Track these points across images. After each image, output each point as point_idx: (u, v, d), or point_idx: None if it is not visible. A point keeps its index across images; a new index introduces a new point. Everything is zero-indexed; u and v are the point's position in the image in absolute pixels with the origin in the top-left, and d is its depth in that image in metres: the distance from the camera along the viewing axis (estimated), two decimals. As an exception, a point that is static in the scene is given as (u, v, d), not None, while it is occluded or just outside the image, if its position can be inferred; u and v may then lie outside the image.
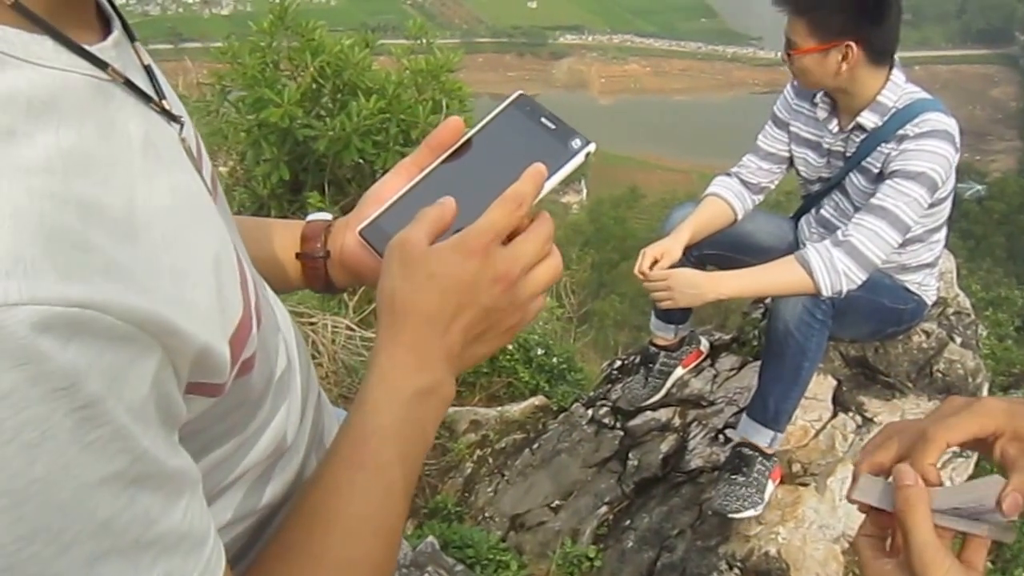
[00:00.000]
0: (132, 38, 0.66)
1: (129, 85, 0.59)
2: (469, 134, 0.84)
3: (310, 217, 0.99)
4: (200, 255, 0.59)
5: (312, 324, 4.06)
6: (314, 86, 4.50)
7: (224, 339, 0.59)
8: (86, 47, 0.55)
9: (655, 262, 2.69)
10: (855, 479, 0.86)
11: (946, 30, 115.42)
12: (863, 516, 0.85)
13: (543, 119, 0.82)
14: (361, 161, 4.43)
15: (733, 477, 2.73)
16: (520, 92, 0.85)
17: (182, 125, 0.68)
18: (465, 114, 4.75)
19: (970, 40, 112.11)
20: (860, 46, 2.46)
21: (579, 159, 0.80)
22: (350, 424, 0.73)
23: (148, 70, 0.67)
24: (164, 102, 0.65)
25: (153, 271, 0.52)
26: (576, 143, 0.80)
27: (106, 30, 0.62)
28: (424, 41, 4.95)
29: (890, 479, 0.83)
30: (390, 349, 0.73)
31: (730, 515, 2.70)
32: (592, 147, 0.81)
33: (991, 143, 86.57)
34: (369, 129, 4.32)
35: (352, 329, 4.18)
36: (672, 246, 2.73)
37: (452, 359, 0.74)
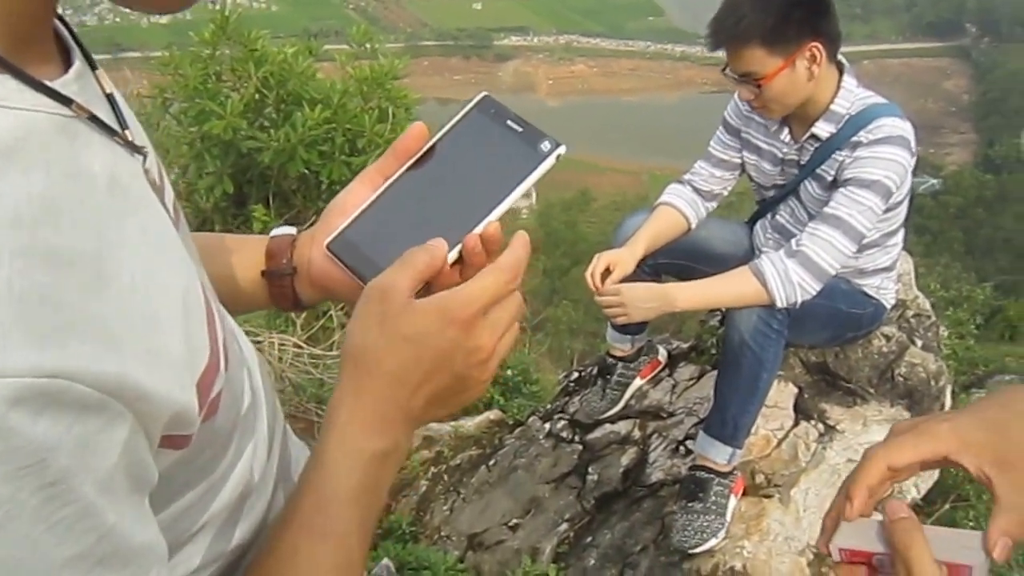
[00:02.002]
0: (93, 67, 0.64)
1: (93, 119, 0.57)
2: (434, 140, 0.81)
3: (274, 232, 0.94)
4: (169, 297, 0.56)
5: (259, 342, 3.97)
6: (257, 97, 4.45)
7: (192, 386, 0.57)
8: (49, 84, 0.53)
9: (607, 271, 2.63)
10: (825, 530, 0.86)
11: (896, 23, 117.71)
12: (817, 527, 0.84)
13: (509, 121, 0.79)
14: (307, 172, 4.36)
15: (690, 505, 2.68)
16: (485, 93, 0.82)
17: (145, 156, 0.65)
18: (412, 121, 4.67)
19: (920, 33, 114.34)
20: (820, 42, 2.41)
21: (550, 162, 0.77)
22: (308, 485, 0.70)
23: (110, 98, 0.65)
24: (127, 132, 0.63)
25: (123, 320, 0.50)
26: (545, 146, 0.77)
27: (67, 61, 0.60)
28: (368, 47, 4.88)
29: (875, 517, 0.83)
30: (352, 406, 0.71)
31: (690, 551, 2.64)
32: (562, 149, 0.78)
33: (945, 136, 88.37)
34: (314, 140, 4.28)
35: (300, 347, 4.09)
36: (626, 257, 2.68)
37: (412, 420, 0.72)
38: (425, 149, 0.81)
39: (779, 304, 2.42)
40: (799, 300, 2.42)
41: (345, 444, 0.70)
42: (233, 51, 4.51)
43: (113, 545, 0.48)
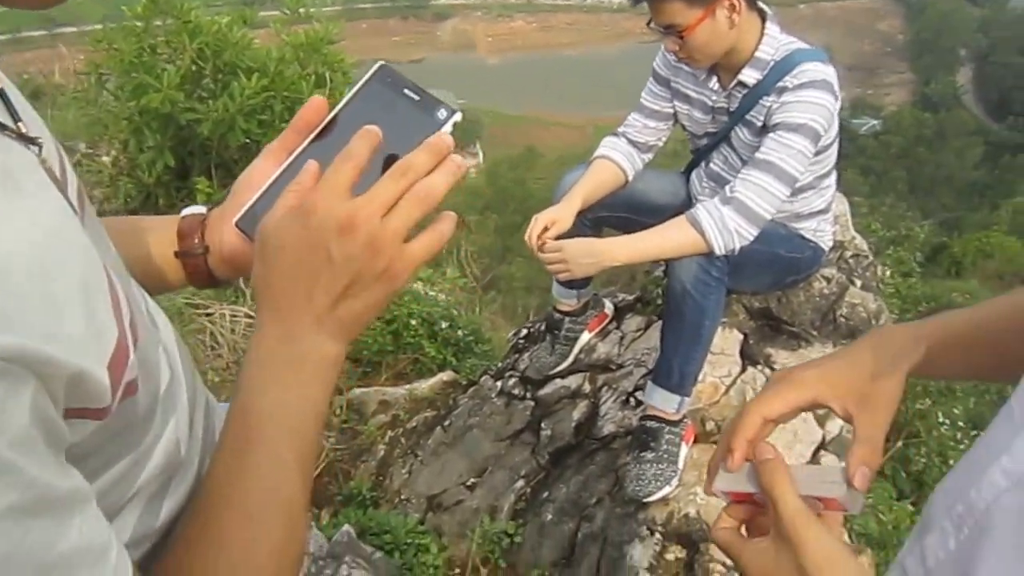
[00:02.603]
0: None
1: None
2: (334, 111, 0.82)
3: (184, 212, 0.95)
4: (68, 284, 0.57)
5: (209, 315, 3.97)
6: (194, 68, 4.42)
7: (101, 365, 0.58)
8: None
9: (545, 229, 2.66)
10: (709, 474, 0.91)
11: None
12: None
13: (406, 90, 0.81)
14: (248, 141, 4.34)
15: (643, 455, 2.73)
16: (382, 63, 0.83)
17: (40, 147, 0.65)
18: (349, 86, 4.64)
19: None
20: None
21: (447, 129, 0.79)
22: (231, 409, 0.73)
23: (1, 93, 0.66)
24: (20, 125, 0.64)
25: (20, 308, 0.51)
26: (442, 113, 0.80)
27: None
28: (303, 12, 4.83)
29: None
30: (259, 334, 0.73)
31: (644, 500, 2.69)
32: (458, 116, 0.80)
33: (883, 76, 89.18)
34: (253, 109, 4.27)
35: (251, 316, 4.09)
36: (563, 214, 2.70)
37: (324, 322, 0.72)
38: (326, 121, 0.82)
39: (717, 252, 2.46)
40: (737, 246, 2.46)
41: (256, 362, 0.72)
42: (167, 23, 4.46)
43: (38, 494, 0.50)
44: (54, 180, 0.65)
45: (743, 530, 0.89)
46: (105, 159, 5.04)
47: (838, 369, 0.93)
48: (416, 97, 0.80)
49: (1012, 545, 0.67)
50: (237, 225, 0.82)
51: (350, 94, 0.82)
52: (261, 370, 0.72)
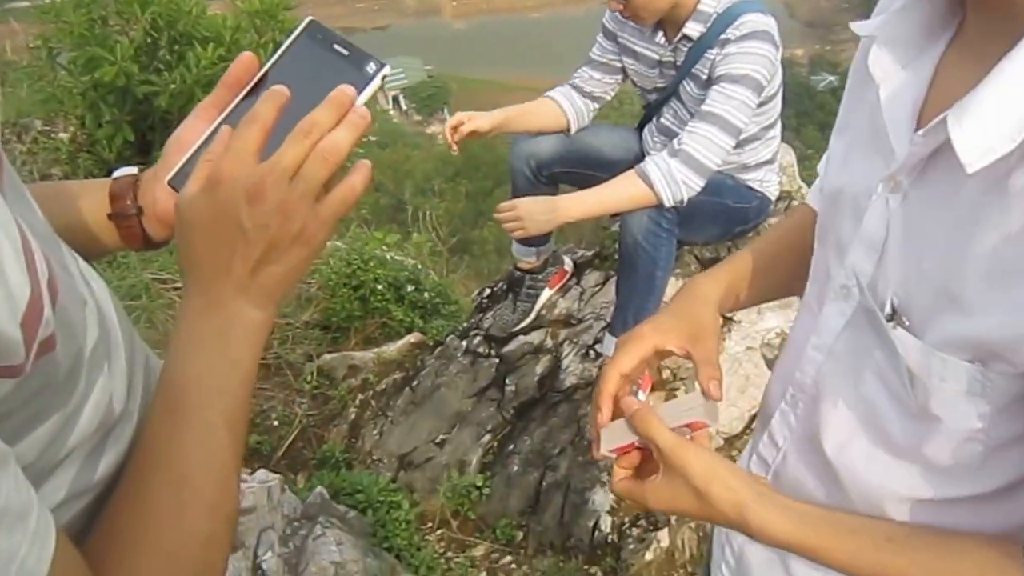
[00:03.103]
0: None
1: None
2: (264, 68, 0.83)
3: (116, 174, 0.95)
4: None
5: (177, 289, 3.97)
6: (148, 40, 4.34)
7: (14, 322, 0.58)
8: None
9: (459, 125, 2.75)
10: (594, 441, 1.01)
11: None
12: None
13: (336, 45, 0.82)
14: (207, 112, 4.30)
15: None
16: (311, 19, 0.84)
17: None
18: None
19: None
20: None
21: (376, 83, 0.81)
22: (161, 377, 0.74)
23: None
24: None
25: None
26: (371, 67, 0.81)
27: None
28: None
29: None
30: (185, 302, 0.75)
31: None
32: (387, 69, 0.82)
33: (839, 32, 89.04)
34: (211, 79, 4.20)
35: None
36: (480, 118, 2.79)
37: (246, 289, 0.74)
38: (256, 79, 0.83)
39: (666, 203, 2.52)
40: (685, 197, 2.53)
41: (183, 332, 0.74)
42: (117, -8, 4.38)
43: None
44: None
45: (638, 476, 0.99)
46: (63, 136, 4.94)
47: (665, 319, 1.08)
48: (345, 52, 0.82)
49: (842, 401, 0.89)
50: (170, 184, 0.82)
51: (280, 51, 0.83)
52: (189, 338, 0.74)
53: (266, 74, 0.83)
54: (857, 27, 0.88)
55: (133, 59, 4.16)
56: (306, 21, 0.83)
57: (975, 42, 0.77)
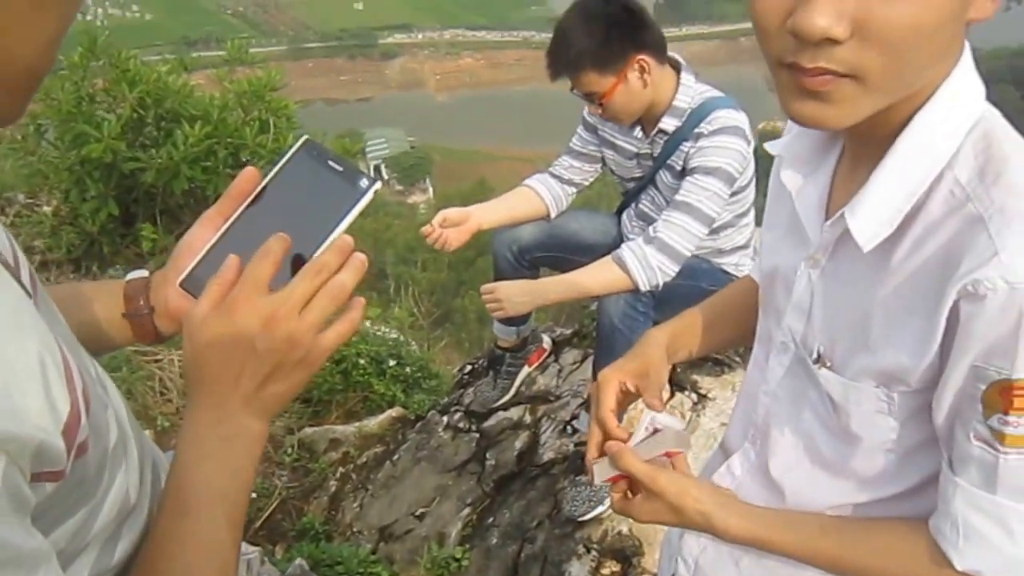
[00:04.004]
0: None
1: None
2: (265, 181, 0.91)
3: (129, 277, 1.03)
4: (25, 363, 0.62)
5: (158, 361, 3.99)
6: (135, 116, 4.37)
7: (57, 433, 0.64)
8: None
9: (449, 221, 2.84)
10: (590, 473, 1.22)
11: (743, 5, 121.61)
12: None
13: (330, 162, 0.89)
14: (192, 187, 4.34)
15: (578, 478, 2.87)
16: (306, 137, 0.92)
17: None
18: (293, 130, 4.73)
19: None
20: (646, 53, 2.60)
21: (368, 198, 0.88)
22: (168, 481, 0.82)
23: None
24: None
25: None
26: (363, 183, 0.88)
27: None
28: (247, 52, 4.90)
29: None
30: (192, 414, 0.83)
31: (579, 519, 2.83)
32: (378, 185, 0.89)
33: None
34: (197, 156, 4.25)
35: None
36: (471, 215, 2.88)
37: (251, 403, 0.82)
38: (258, 191, 0.91)
39: (642, 287, 2.59)
40: (660, 282, 2.60)
41: (190, 441, 0.82)
42: (105, 72, 4.45)
43: (6, 553, 0.55)
44: (7, 267, 0.70)
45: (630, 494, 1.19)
46: (46, 209, 4.94)
47: (622, 361, 1.31)
48: (340, 168, 0.89)
49: (787, 432, 1.11)
50: (181, 286, 0.91)
51: (278, 166, 0.91)
52: (196, 447, 0.81)
53: (267, 186, 0.91)
54: (769, 146, 1.14)
55: (120, 136, 4.20)
56: (302, 140, 0.91)
57: (857, 155, 1.00)
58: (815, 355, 1.03)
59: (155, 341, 1.03)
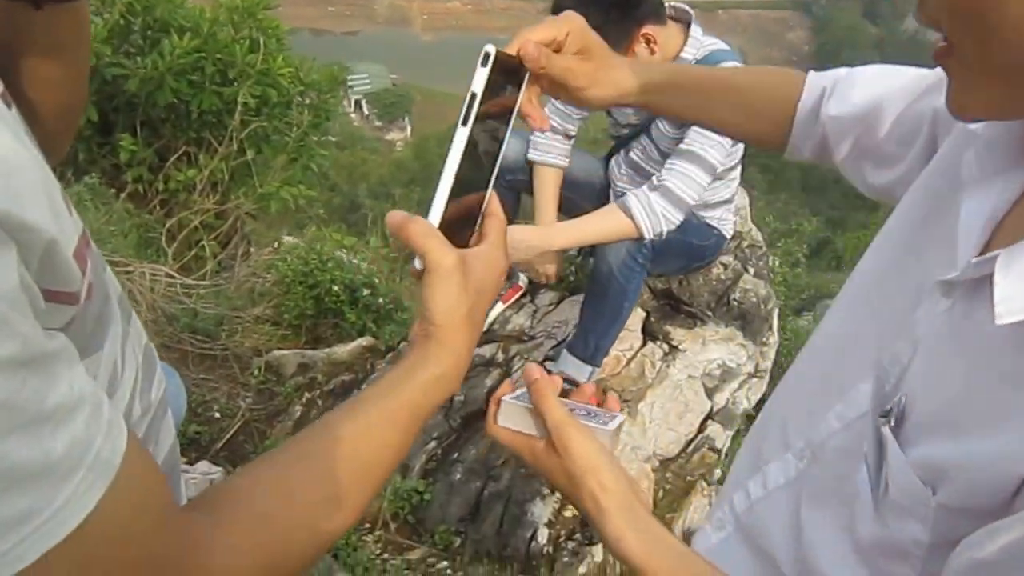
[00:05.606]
0: None
1: None
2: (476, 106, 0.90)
3: None
4: (32, 180, 0.59)
5: (128, 272, 3.94)
6: (122, 23, 4.29)
7: (69, 249, 0.63)
8: None
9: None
10: (497, 408, 0.97)
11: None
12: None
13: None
14: (176, 101, 4.28)
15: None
16: (489, 45, 0.92)
17: None
18: (283, 52, 4.66)
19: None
20: (648, 24, 2.59)
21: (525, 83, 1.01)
22: (395, 389, 0.82)
23: None
24: None
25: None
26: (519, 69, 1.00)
27: None
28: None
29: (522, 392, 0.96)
30: (427, 362, 0.84)
31: None
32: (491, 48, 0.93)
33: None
34: (184, 68, 4.18)
35: (172, 276, 4.09)
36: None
37: (456, 352, 0.86)
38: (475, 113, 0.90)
39: (647, 235, 2.61)
40: (664, 230, 2.61)
41: (421, 385, 0.82)
42: (94, -30, 4.33)
43: (31, 349, 0.53)
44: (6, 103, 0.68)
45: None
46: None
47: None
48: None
49: (832, 475, 0.88)
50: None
51: (481, 83, 0.91)
52: (411, 387, 0.82)
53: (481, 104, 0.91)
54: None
55: (105, 41, 4.12)
56: (492, 51, 0.91)
57: None
58: (889, 405, 0.79)
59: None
